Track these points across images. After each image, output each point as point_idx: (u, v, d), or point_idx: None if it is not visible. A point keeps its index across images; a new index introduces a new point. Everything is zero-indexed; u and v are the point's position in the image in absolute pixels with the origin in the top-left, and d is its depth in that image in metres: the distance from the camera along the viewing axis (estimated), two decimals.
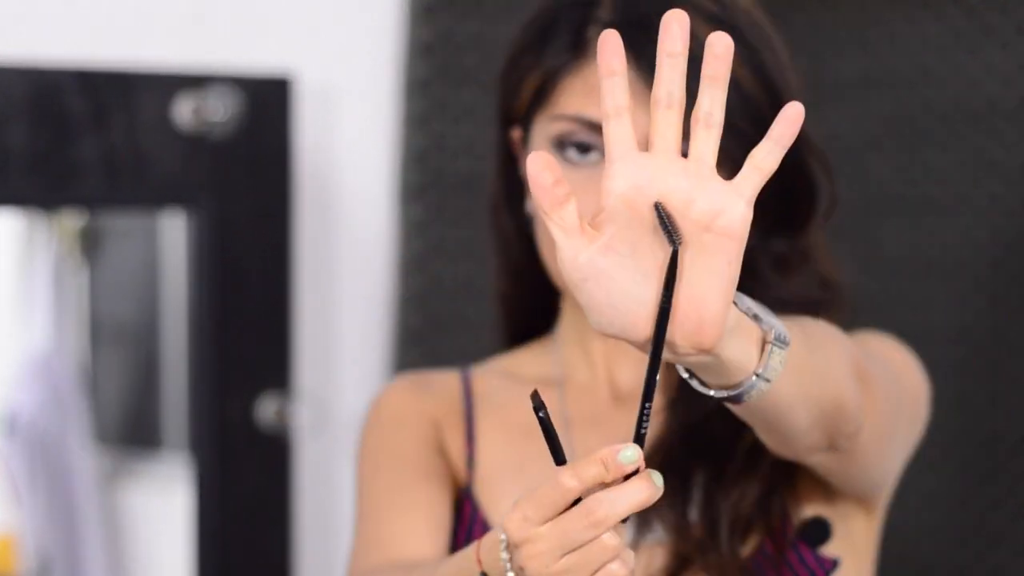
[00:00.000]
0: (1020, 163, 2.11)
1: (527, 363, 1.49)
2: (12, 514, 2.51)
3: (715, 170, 1.00)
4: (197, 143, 1.97)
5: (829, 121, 2.11)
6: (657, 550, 1.35)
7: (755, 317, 1.08)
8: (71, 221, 2.46)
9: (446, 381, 1.49)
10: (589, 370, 1.46)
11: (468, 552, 1.12)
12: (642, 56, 1.26)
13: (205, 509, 2.01)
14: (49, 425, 2.49)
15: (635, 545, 1.35)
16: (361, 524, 1.41)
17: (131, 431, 2.50)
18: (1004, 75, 2.11)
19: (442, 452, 1.43)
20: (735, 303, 1.05)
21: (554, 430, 1.03)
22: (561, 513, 1.01)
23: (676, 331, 1.01)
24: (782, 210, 1.35)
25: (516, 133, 1.43)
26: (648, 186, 0.99)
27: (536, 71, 1.37)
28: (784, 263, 1.37)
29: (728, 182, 1.00)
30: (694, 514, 1.35)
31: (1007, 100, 2.11)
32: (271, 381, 2.03)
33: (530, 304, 1.52)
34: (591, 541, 1.01)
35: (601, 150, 1.32)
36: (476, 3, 2.15)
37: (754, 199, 1.00)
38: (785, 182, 1.25)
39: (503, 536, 1.06)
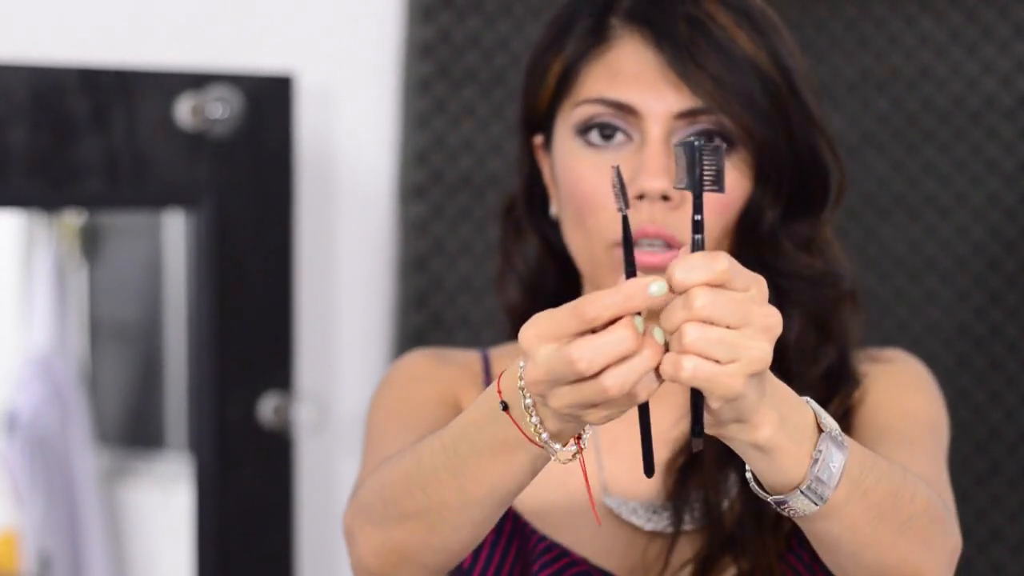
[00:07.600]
0: (1018, 162, 2.11)
1: None
2: (13, 513, 2.51)
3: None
4: (198, 142, 1.97)
5: (829, 120, 2.12)
6: (693, 537, 1.36)
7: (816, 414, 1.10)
8: (71, 220, 2.46)
9: (466, 357, 1.50)
10: None
11: (490, 387, 1.11)
12: (661, 35, 1.33)
13: (206, 508, 2.01)
14: (50, 424, 2.49)
15: (672, 532, 1.36)
16: (367, 457, 1.39)
17: (132, 430, 2.50)
18: (1002, 74, 2.12)
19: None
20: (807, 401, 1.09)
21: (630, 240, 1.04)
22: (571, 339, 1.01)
23: None
24: (799, 194, 1.39)
25: (538, 140, 1.45)
26: None
27: (559, 60, 1.39)
28: (807, 244, 1.40)
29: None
30: (729, 503, 1.36)
31: (1005, 99, 2.12)
32: (272, 380, 2.03)
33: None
34: (603, 343, 1.00)
35: (625, 132, 1.36)
36: (475, 3, 2.15)
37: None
38: (801, 166, 1.36)
39: (522, 363, 1.06)
